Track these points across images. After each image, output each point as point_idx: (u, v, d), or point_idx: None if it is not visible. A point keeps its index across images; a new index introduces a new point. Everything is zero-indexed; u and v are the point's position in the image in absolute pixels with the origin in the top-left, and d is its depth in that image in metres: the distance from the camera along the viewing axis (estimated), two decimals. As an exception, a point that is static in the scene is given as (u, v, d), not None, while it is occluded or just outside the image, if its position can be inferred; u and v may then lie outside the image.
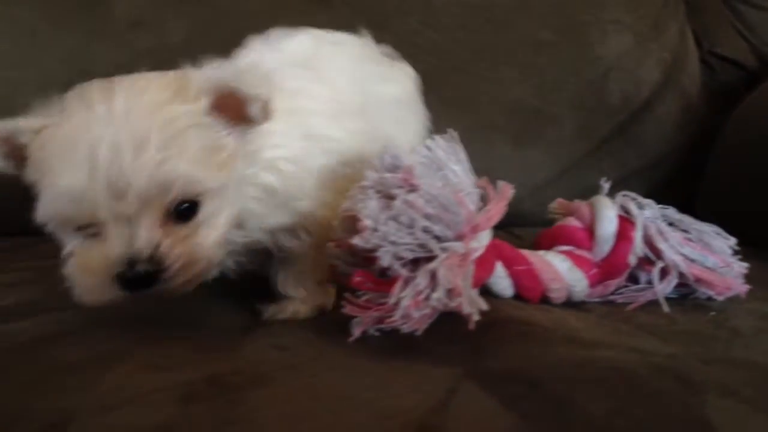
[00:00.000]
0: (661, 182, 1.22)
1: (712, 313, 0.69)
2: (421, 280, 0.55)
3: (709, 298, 0.72)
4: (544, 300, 0.70)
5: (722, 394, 0.50)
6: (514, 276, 0.68)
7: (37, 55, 1.09)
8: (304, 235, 0.70)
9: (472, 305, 0.55)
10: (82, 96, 0.57)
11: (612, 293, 0.73)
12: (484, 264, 0.62)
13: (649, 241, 0.71)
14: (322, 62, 0.76)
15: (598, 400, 0.49)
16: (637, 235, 0.71)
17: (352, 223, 0.60)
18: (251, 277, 0.73)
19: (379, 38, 1.17)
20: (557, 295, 0.70)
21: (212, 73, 0.61)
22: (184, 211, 0.58)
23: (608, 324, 0.66)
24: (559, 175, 1.15)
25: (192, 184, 0.56)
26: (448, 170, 0.61)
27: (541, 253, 0.70)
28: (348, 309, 0.59)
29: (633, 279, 0.74)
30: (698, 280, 0.71)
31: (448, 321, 0.58)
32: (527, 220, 0.99)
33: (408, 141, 0.81)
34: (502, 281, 0.67)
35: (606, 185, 0.77)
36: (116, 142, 0.53)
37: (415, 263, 0.58)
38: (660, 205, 0.75)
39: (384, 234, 0.56)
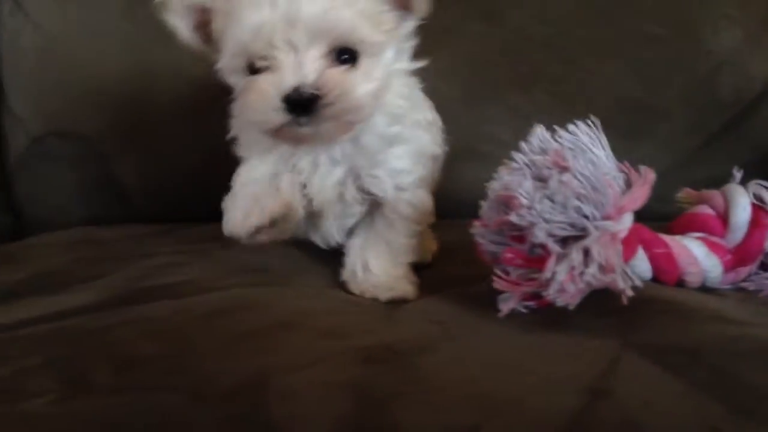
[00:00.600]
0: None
1: None
2: (576, 255, 0.57)
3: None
4: (679, 284, 0.71)
5: None
6: (653, 259, 0.69)
7: None
8: (405, 207, 0.77)
9: (626, 281, 0.57)
10: None
11: (743, 280, 0.73)
12: (628, 245, 0.64)
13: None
14: None
15: (760, 370, 0.50)
16: (772, 222, 0.71)
17: (500, 203, 0.63)
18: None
19: (491, 32, 1.21)
20: (693, 279, 0.70)
21: None
22: (345, 60, 0.66)
23: (749, 307, 0.66)
24: (672, 170, 1.14)
25: (354, 31, 0.65)
26: (591, 154, 0.64)
27: (678, 237, 0.71)
28: (498, 284, 0.62)
29: (762, 267, 0.73)
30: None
31: (594, 298, 0.60)
32: (639, 214, 0.99)
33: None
34: (642, 263, 0.68)
35: (738, 174, 0.77)
36: None
37: (564, 242, 0.60)
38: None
39: (539, 212, 0.59)
